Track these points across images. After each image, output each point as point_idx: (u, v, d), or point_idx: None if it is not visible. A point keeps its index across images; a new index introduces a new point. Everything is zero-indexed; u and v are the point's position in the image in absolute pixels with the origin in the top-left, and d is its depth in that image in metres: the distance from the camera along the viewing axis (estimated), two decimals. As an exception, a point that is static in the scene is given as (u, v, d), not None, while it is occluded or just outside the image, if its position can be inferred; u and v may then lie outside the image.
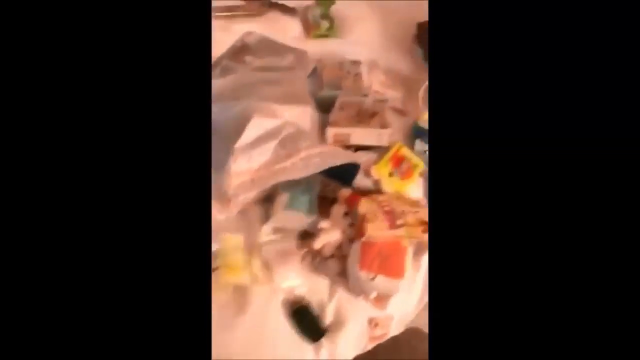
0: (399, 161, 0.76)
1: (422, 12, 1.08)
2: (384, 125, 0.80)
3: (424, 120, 0.85)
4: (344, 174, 0.71)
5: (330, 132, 0.80)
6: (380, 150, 0.78)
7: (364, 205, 0.65)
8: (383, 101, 0.90)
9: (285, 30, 1.06)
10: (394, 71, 1.04)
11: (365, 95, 0.93)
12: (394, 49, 1.08)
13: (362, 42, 1.08)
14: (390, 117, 0.86)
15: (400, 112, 0.93)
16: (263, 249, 0.64)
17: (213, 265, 0.61)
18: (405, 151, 0.78)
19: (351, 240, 0.63)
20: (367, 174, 0.74)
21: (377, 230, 0.62)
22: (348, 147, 0.79)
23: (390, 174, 0.74)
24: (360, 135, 0.79)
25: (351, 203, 0.67)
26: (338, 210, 0.67)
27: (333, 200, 0.69)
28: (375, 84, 0.99)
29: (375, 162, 0.75)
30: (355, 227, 0.64)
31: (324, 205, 0.68)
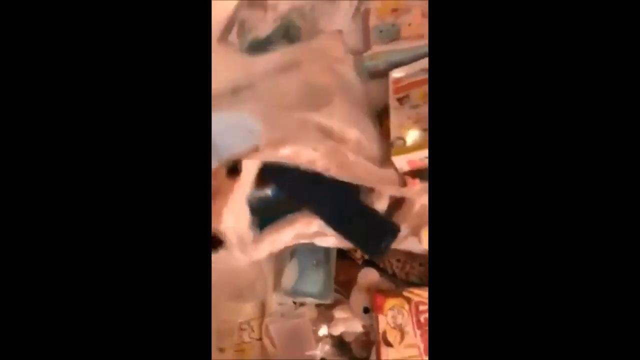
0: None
1: None
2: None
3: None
4: (374, 234, 0.48)
5: (402, 160, 0.51)
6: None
7: (387, 318, 0.45)
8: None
9: None
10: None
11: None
12: None
13: None
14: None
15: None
16: (271, 327, 0.55)
17: (217, 344, 0.56)
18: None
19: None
20: (416, 234, 0.48)
21: (399, 355, 0.44)
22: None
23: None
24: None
25: (373, 302, 0.47)
26: (356, 299, 0.49)
27: (351, 275, 0.50)
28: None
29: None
30: (376, 341, 0.47)
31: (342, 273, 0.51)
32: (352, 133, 0.53)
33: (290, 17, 0.66)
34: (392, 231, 0.48)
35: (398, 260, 0.50)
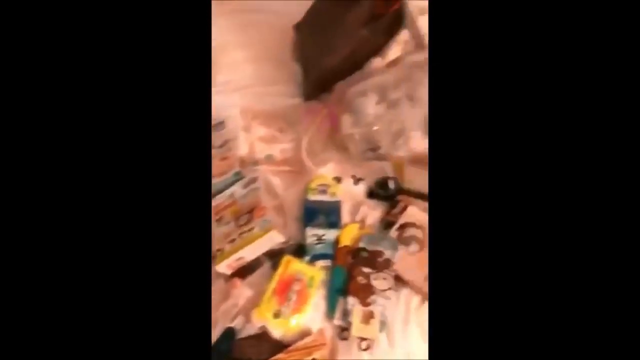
0: (287, 286, 0.62)
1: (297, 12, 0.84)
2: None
3: (315, 186, 0.71)
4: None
5: (222, 267, 0.65)
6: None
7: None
8: (256, 181, 0.72)
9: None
10: (274, 111, 0.83)
11: (240, 177, 0.74)
12: (269, 76, 0.85)
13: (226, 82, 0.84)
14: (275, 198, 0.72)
15: (294, 172, 0.76)
16: None
17: None
18: (297, 265, 0.63)
19: None
20: (248, 320, 0.60)
21: None
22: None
23: (276, 315, 0.60)
24: (252, 251, 0.65)
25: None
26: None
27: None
28: (254, 143, 0.79)
29: (256, 303, 0.61)
30: None
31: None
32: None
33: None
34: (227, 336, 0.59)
35: (250, 346, 0.60)
